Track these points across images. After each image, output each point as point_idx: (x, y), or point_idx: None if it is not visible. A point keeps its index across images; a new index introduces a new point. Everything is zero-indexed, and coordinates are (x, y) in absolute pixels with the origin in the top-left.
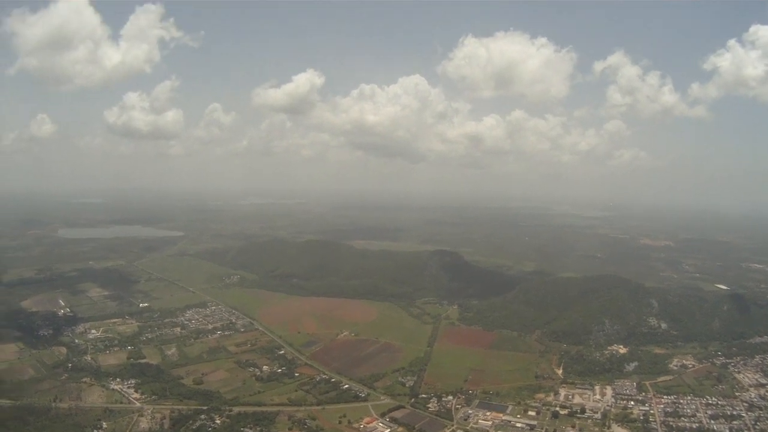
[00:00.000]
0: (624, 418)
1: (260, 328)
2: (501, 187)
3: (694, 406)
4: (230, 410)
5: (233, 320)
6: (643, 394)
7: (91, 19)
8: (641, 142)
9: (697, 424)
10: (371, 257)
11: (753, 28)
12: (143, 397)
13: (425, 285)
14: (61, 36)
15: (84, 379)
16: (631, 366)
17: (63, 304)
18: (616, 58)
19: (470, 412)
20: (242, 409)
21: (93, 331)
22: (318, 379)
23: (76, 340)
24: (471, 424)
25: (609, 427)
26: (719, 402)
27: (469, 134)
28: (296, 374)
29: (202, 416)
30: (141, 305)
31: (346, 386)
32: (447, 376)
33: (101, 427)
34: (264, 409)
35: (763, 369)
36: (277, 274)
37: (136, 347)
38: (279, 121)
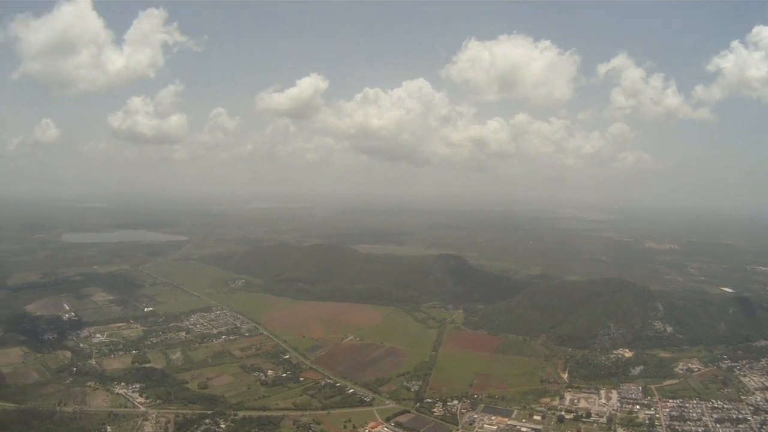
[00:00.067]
0: (629, 422)
1: (265, 333)
2: (505, 191)
3: (699, 410)
4: (235, 415)
5: (238, 325)
6: (649, 398)
7: (94, 23)
8: (645, 144)
9: (702, 428)
10: (376, 261)
11: (756, 29)
12: (148, 401)
13: (430, 289)
14: (64, 40)
15: (88, 383)
16: (637, 370)
17: (67, 308)
18: (620, 60)
19: (475, 416)
20: (247, 413)
21: (98, 335)
22: (323, 383)
23: (81, 344)
24: (476, 429)
25: None
26: (725, 406)
27: (474, 138)
28: (301, 379)
29: (207, 421)
30: (146, 309)
31: (351, 391)
32: (452, 381)
33: (106, 431)
34: (269, 413)
35: None
36: (282, 278)
37: (141, 351)
38: (283, 126)
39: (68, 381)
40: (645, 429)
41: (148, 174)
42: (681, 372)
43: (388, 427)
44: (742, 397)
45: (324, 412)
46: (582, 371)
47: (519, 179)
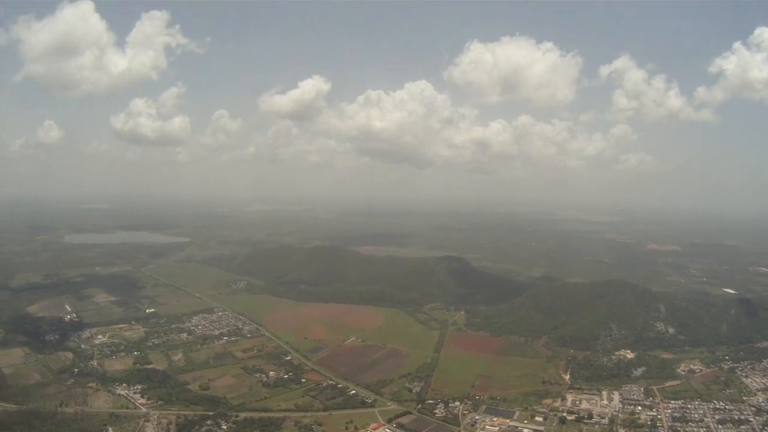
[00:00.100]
0: (631, 424)
1: (267, 334)
2: (508, 193)
3: (701, 411)
4: (236, 416)
5: (240, 326)
6: (651, 399)
7: (96, 25)
8: (647, 146)
9: (704, 429)
10: (378, 263)
11: (758, 31)
12: (149, 402)
13: (432, 291)
14: (67, 42)
15: (90, 384)
16: (639, 371)
17: (69, 309)
18: (622, 62)
19: (477, 417)
20: (249, 414)
21: (99, 336)
22: (325, 384)
23: (83, 346)
24: (478, 430)
25: None
26: (727, 407)
27: (476, 139)
28: (303, 380)
29: (209, 422)
30: (147, 311)
31: (353, 392)
32: (454, 382)
33: None
34: (270, 414)
35: None
36: (284, 280)
37: (143, 353)
38: (285, 128)
39: (70, 382)
40: (647, 430)
41: (151, 176)
42: (683, 373)
43: (389, 429)
44: (744, 398)
45: (326, 413)
46: (584, 372)
47: (521, 181)
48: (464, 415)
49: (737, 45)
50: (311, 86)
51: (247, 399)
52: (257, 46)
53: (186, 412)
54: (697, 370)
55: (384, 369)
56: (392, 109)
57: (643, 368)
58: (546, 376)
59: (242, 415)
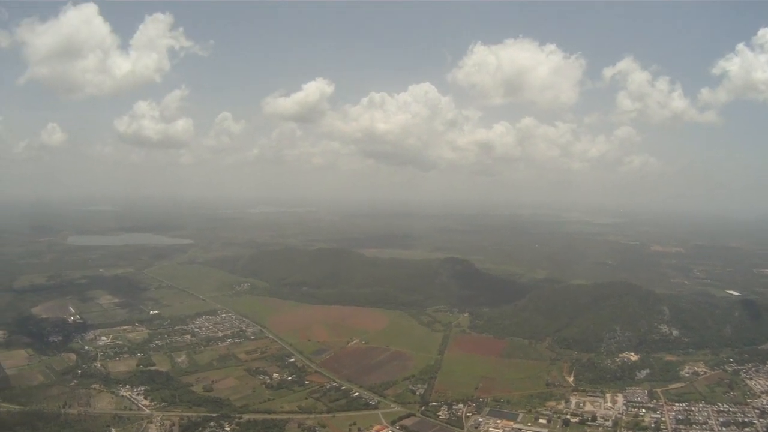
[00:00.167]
0: (635, 426)
1: (270, 336)
2: (511, 195)
3: (705, 414)
4: (240, 418)
5: (243, 328)
6: (655, 401)
7: (100, 28)
8: (651, 148)
9: None
10: (382, 265)
11: (761, 32)
12: (152, 403)
13: (436, 293)
14: (70, 45)
15: (93, 386)
16: (643, 373)
17: (73, 310)
18: (626, 63)
19: (481, 420)
20: (252, 416)
21: (103, 337)
22: (328, 386)
23: (86, 347)
24: None
25: None
26: (731, 409)
27: (480, 142)
28: (306, 382)
29: (212, 423)
30: (151, 312)
31: (357, 394)
32: (457, 384)
33: None
34: (274, 416)
35: None
36: (288, 282)
37: (146, 354)
38: (289, 130)
39: (73, 383)
40: None
41: (154, 178)
42: (687, 375)
43: (393, 431)
44: (748, 401)
45: (329, 415)
46: (588, 375)
47: (525, 183)
48: (468, 417)
49: (741, 46)
50: (315, 88)
51: (251, 401)
52: (261, 49)
53: (189, 414)
54: (701, 373)
55: (387, 371)
56: (396, 111)
57: (647, 370)
58: (550, 379)
59: (245, 416)
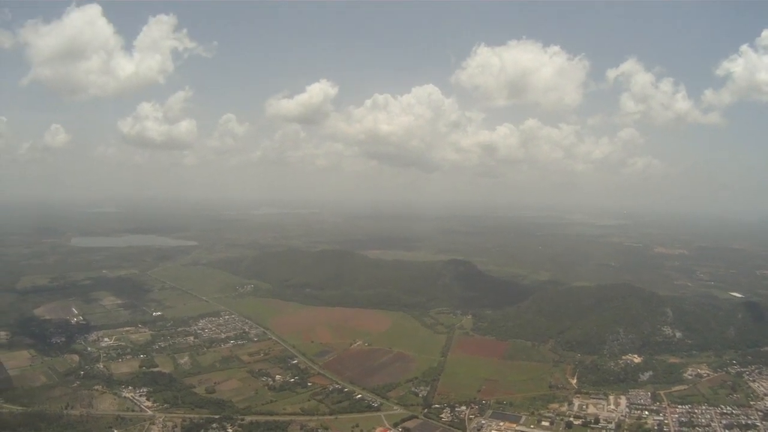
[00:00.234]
0: (638, 428)
1: (273, 338)
2: (515, 196)
3: (708, 416)
4: (242, 419)
5: (246, 329)
6: (658, 403)
7: (104, 29)
8: (655, 149)
9: None
10: (385, 267)
11: (765, 33)
12: (155, 405)
13: (439, 295)
14: (74, 46)
15: (96, 387)
16: (646, 375)
17: (76, 312)
18: (629, 65)
19: (483, 422)
20: (254, 418)
21: (105, 339)
22: (331, 388)
23: (89, 348)
24: None
25: None
26: (734, 411)
27: (483, 143)
28: (309, 384)
29: (214, 425)
30: (154, 314)
31: (359, 396)
32: (460, 386)
33: None
34: (276, 418)
35: None
36: (291, 283)
37: (149, 356)
38: (293, 131)
39: (76, 384)
40: None
41: (158, 179)
42: (690, 377)
43: None
44: (751, 403)
45: (332, 417)
46: (591, 377)
47: (528, 185)
48: (470, 419)
49: (744, 47)
50: (319, 90)
51: (253, 402)
52: (264, 50)
53: (192, 416)
54: (705, 375)
55: (390, 373)
56: (399, 113)
57: (650, 373)
58: (553, 381)
59: (248, 418)
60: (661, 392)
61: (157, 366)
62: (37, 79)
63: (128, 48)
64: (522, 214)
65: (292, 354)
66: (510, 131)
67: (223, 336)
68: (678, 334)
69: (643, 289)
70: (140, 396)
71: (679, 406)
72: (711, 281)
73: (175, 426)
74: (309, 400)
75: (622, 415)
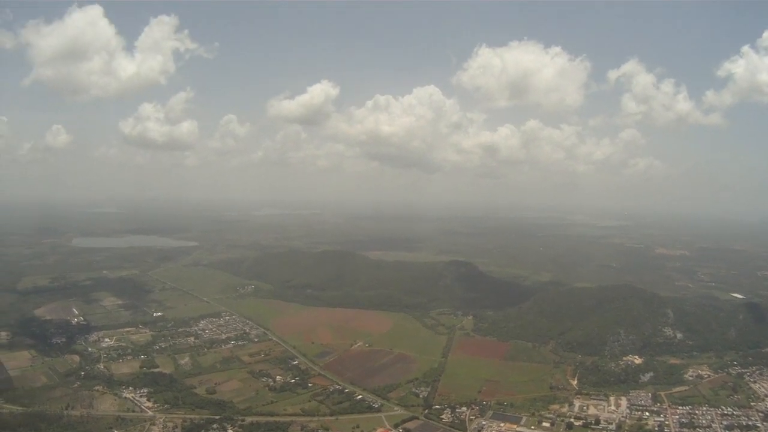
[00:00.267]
0: (639, 430)
1: (274, 339)
2: (516, 197)
3: (709, 417)
4: (243, 420)
5: (247, 330)
6: (658, 404)
7: (105, 30)
8: (656, 150)
9: None
10: (386, 268)
11: (766, 34)
12: (155, 405)
13: (440, 295)
14: (76, 47)
15: (96, 388)
16: (647, 376)
17: (77, 312)
18: (630, 66)
19: (484, 423)
20: (255, 419)
21: (106, 339)
22: (331, 389)
23: (89, 349)
24: None
25: None
26: (735, 412)
27: (484, 144)
28: (310, 384)
29: (215, 426)
30: (155, 314)
31: (360, 397)
32: (461, 387)
33: None
34: (277, 419)
35: None
36: (292, 284)
37: (149, 356)
38: (294, 132)
39: (76, 385)
40: None
41: (159, 180)
42: (691, 378)
43: None
44: (752, 404)
45: (332, 418)
46: (591, 378)
47: (530, 186)
48: (471, 420)
49: (746, 48)
50: (320, 91)
51: (254, 403)
52: (266, 51)
53: (192, 416)
54: (705, 376)
55: (391, 374)
56: (401, 113)
57: (651, 374)
58: (553, 382)
59: (248, 419)
60: (662, 393)
61: (157, 367)
62: (38, 79)
63: (130, 49)
64: (523, 215)
65: (292, 355)
66: (511, 132)
67: (223, 337)
68: (679, 335)
69: (644, 290)
70: (141, 397)
71: (680, 407)
72: (712, 282)
73: (176, 427)
74: (310, 401)
75: (622, 416)
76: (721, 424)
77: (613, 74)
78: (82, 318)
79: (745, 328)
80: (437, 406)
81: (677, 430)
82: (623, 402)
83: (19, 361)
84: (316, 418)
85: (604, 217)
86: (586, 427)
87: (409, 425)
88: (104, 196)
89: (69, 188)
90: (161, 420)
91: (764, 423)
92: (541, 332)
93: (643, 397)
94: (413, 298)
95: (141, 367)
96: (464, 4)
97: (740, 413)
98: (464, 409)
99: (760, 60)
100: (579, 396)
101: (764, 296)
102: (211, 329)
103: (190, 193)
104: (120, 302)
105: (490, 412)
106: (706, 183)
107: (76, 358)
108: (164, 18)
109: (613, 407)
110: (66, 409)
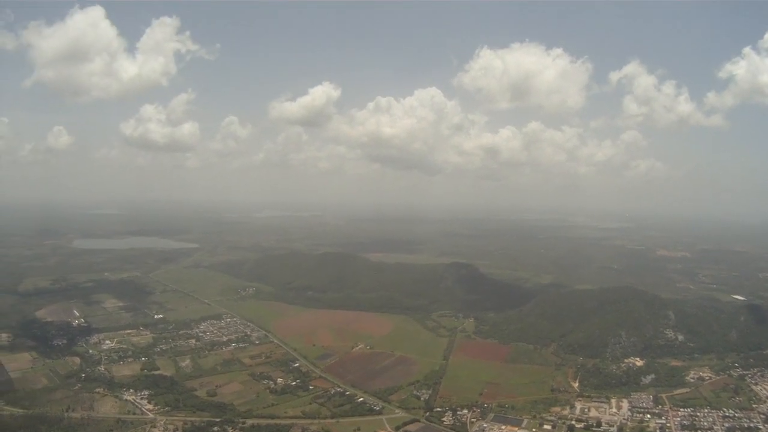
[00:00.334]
0: None
1: (275, 341)
2: (517, 199)
3: (710, 419)
4: (244, 422)
5: (248, 332)
6: (660, 407)
7: (107, 31)
8: (658, 152)
9: None
10: (387, 270)
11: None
12: (156, 408)
13: (441, 298)
14: (77, 48)
15: (97, 390)
16: (648, 379)
17: (77, 314)
18: (632, 67)
19: (485, 425)
20: (256, 421)
21: (107, 341)
22: (332, 392)
23: (90, 351)
24: None
25: None
26: (736, 414)
27: (486, 146)
28: (311, 387)
29: (215, 428)
30: (156, 316)
31: (361, 399)
32: (462, 390)
33: None
34: (278, 421)
35: None
36: (293, 286)
37: (150, 358)
38: (295, 134)
39: (77, 387)
40: None
41: (160, 181)
42: (692, 381)
43: None
44: (754, 406)
45: (333, 420)
46: (593, 380)
47: (531, 187)
48: (472, 422)
49: (747, 50)
50: (321, 93)
51: (255, 406)
52: (267, 53)
53: (193, 419)
54: (707, 378)
55: (392, 376)
56: (402, 115)
57: (652, 376)
58: (554, 384)
59: (249, 421)
60: (663, 395)
61: (158, 369)
62: (39, 80)
63: (131, 50)
64: (524, 216)
65: (293, 357)
66: (513, 134)
67: (224, 339)
68: (680, 337)
69: (645, 292)
70: (141, 399)
71: (681, 410)
72: (713, 284)
73: (177, 429)
74: (310, 404)
75: (624, 419)
76: (723, 426)
77: (614, 76)
78: (82, 320)
79: (746, 330)
80: (438, 409)
81: None
82: (624, 404)
83: (20, 363)
84: (317, 421)
85: (605, 219)
86: (588, 429)
87: (410, 428)
88: (105, 197)
89: (70, 190)
90: (162, 422)
91: (766, 425)
92: (543, 334)
93: (645, 399)
94: (414, 300)
95: (142, 370)
96: (465, 5)
97: (742, 415)
98: (465, 411)
99: (761, 61)
100: (580, 398)
101: (766, 298)
102: (212, 331)
103: (191, 195)
104: (121, 304)
105: (492, 415)
106: (707, 185)
107: (77, 360)
108: (166, 19)
109: (614, 409)
110: (67, 411)
